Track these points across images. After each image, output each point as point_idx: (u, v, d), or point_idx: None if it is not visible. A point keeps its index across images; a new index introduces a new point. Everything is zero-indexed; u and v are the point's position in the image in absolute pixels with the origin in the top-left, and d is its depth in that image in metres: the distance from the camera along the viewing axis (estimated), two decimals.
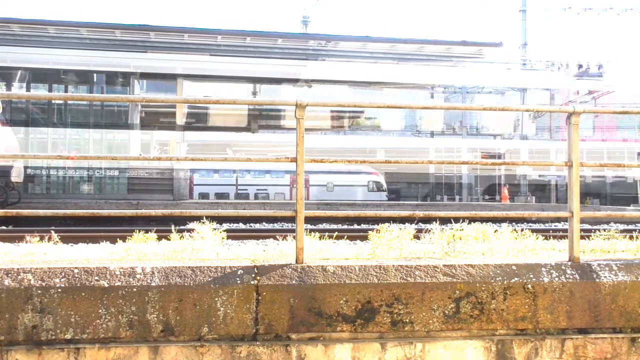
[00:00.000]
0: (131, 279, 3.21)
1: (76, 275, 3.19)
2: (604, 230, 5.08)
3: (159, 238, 4.40)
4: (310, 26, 34.07)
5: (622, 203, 18.75)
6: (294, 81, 17.23)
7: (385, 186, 18.68)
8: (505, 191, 18.98)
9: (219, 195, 17.57)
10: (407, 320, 3.37)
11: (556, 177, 20.11)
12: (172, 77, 16.71)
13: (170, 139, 16.60)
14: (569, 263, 3.69)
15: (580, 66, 20.71)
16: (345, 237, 5.55)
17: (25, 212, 3.85)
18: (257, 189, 18.14)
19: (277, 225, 11.55)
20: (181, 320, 3.19)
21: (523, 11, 25.34)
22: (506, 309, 3.46)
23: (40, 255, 3.94)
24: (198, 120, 17.24)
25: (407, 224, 4.75)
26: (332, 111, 18.01)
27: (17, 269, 3.19)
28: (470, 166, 18.94)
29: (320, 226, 9.01)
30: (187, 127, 16.79)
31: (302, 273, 3.39)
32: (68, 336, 3.10)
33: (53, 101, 16.14)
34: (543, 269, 3.60)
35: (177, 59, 16.62)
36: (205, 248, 4.01)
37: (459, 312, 3.41)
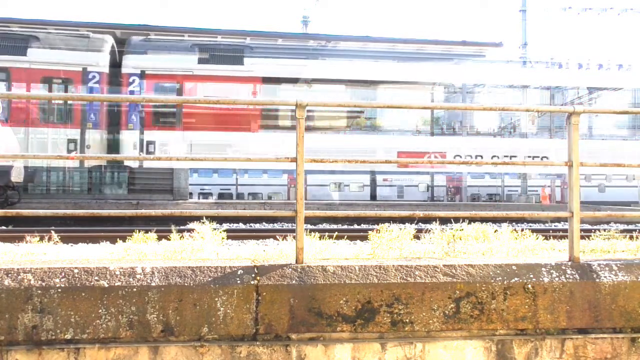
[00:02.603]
0: (131, 279, 3.21)
1: (76, 275, 3.19)
2: (604, 230, 5.08)
3: (159, 238, 4.40)
4: (310, 26, 34.05)
5: None
6: (293, 80, 17.31)
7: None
8: (544, 191, 18.84)
9: (451, 197, 18.43)
10: (407, 320, 3.37)
11: None
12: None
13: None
14: (569, 263, 3.69)
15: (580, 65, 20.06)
16: (345, 237, 5.55)
17: (25, 212, 3.85)
18: (488, 192, 18.84)
19: (277, 225, 11.56)
20: (181, 320, 3.19)
21: (523, 11, 25.30)
22: (506, 309, 3.46)
23: (40, 255, 3.94)
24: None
25: (407, 224, 4.75)
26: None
27: (17, 269, 3.19)
28: None
29: (320, 226, 9.01)
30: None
31: (302, 273, 3.39)
32: (68, 336, 3.10)
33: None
34: (543, 269, 3.59)
35: (177, 59, 16.65)
36: (205, 248, 4.02)
37: (459, 312, 3.41)
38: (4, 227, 9.34)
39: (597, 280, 3.59)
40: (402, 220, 6.94)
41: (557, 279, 3.55)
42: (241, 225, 11.44)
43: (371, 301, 3.35)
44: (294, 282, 3.33)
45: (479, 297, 3.44)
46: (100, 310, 3.13)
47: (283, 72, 17.12)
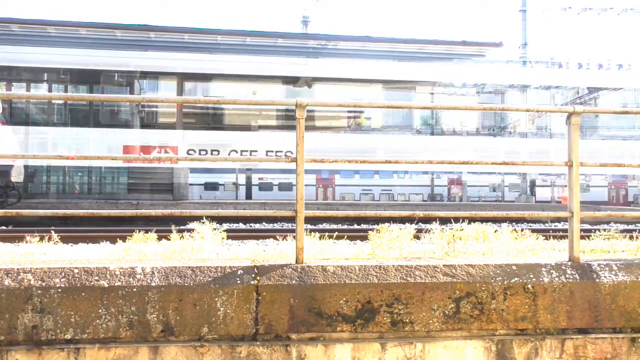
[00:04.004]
0: (131, 279, 3.21)
1: (76, 275, 3.19)
2: (604, 230, 5.09)
3: (159, 238, 4.41)
4: (310, 26, 33.99)
5: None
6: (294, 80, 17.23)
7: None
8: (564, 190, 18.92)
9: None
10: (407, 320, 3.37)
11: None
12: (173, 76, 16.72)
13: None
14: (569, 263, 3.69)
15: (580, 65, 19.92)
16: (345, 237, 5.55)
17: (25, 212, 3.85)
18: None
19: (277, 225, 11.56)
20: (181, 320, 3.19)
21: (523, 11, 25.25)
22: (506, 309, 3.46)
23: (40, 255, 3.94)
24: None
25: (407, 224, 4.75)
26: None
27: (17, 269, 3.19)
28: None
29: (320, 226, 9.02)
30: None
31: (302, 273, 3.39)
32: (68, 336, 3.10)
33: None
34: (543, 269, 3.59)
35: (178, 58, 16.62)
36: (205, 248, 4.02)
37: (459, 312, 3.41)
38: (4, 227, 9.35)
39: (597, 280, 3.59)
40: (402, 220, 6.94)
41: (557, 279, 3.55)
42: (241, 225, 11.44)
43: (371, 301, 3.35)
44: (294, 282, 3.33)
45: (479, 297, 3.44)
46: (100, 310, 3.13)
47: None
